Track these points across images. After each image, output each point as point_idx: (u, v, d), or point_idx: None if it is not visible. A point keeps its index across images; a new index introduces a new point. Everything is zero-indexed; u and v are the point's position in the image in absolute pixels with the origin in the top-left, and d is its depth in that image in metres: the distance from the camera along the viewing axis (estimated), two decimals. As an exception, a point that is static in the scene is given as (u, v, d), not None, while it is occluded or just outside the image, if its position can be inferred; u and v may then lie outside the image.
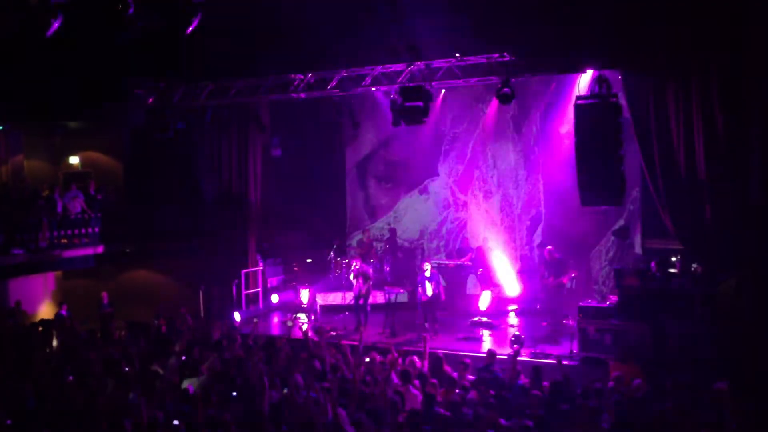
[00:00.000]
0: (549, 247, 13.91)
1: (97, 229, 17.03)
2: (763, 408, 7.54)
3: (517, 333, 12.10)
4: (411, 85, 12.44)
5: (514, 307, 15.41)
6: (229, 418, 7.63)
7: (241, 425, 7.69)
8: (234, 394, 8.84)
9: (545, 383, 8.93)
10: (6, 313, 15.13)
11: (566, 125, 14.53)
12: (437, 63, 12.54)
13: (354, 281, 14.43)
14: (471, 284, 16.31)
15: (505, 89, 11.93)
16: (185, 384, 9.19)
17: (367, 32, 12.46)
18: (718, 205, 10.83)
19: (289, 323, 13.62)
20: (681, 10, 10.69)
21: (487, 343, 12.92)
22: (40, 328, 13.89)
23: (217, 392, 8.80)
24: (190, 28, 9.06)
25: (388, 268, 16.69)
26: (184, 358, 10.61)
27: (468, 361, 9.91)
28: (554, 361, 9.74)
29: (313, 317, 15.25)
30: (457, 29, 12.14)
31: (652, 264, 11.98)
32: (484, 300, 14.70)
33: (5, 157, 17.97)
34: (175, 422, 7.71)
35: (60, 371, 10.08)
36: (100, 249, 17.03)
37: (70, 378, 9.69)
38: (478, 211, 17.11)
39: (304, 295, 15.89)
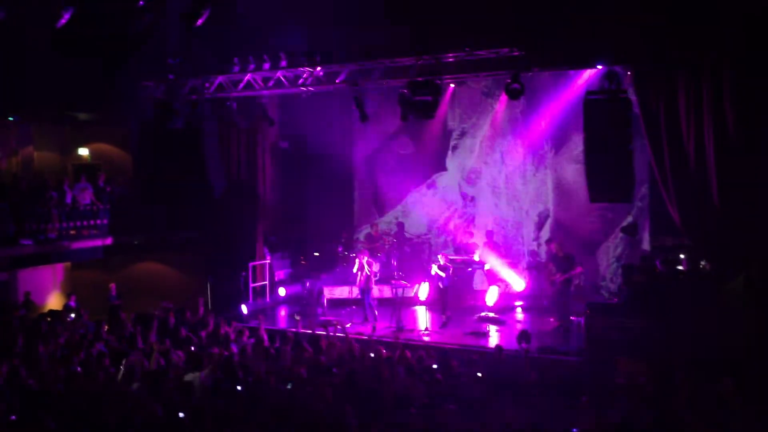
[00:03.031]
0: (555, 242, 13.89)
1: (105, 221, 17.06)
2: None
3: (524, 329, 12.08)
4: (420, 79, 12.40)
5: (521, 303, 15.40)
6: (234, 412, 7.65)
7: (246, 419, 7.70)
8: (239, 387, 8.86)
9: (551, 378, 8.92)
10: (15, 304, 15.19)
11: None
12: (446, 57, 12.49)
13: (361, 275, 14.45)
14: (478, 280, 16.31)
15: (515, 84, 11.88)
16: (188, 378, 9.21)
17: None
18: (728, 202, 10.77)
19: (297, 317, 13.65)
20: (692, 5, 10.61)
21: (494, 338, 12.93)
22: (49, 319, 13.95)
23: (222, 386, 8.82)
24: (201, 20, 9.09)
25: (395, 263, 16.69)
26: (193, 348, 10.65)
27: (476, 357, 9.91)
28: (561, 357, 9.73)
29: (319, 311, 15.27)
30: (468, 23, 12.10)
31: (658, 261, 11.94)
32: (491, 295, 14.69)
33: (15, 149, 18.02)
34: (181, 414, 7.73)
35: (68, 362, 10.13)
36: (108, 241, 17.07)
37: (78, 369, 9.73)
38: (486, 207, 17.08)
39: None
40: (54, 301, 17.48)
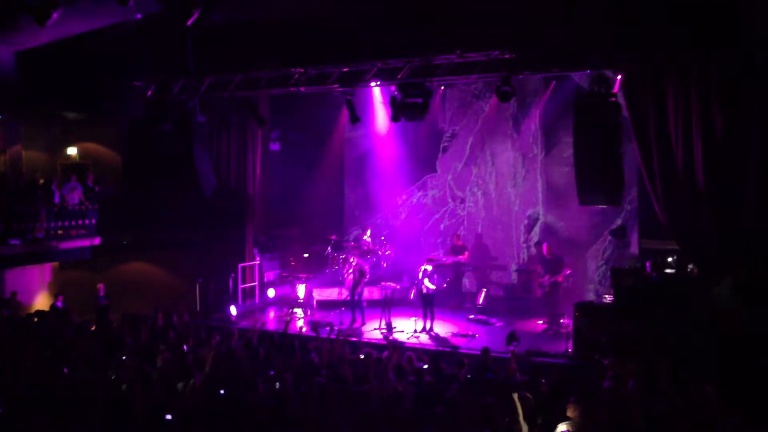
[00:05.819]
0: (545, 244, 13.94)
1: (94, 221, 17.00)
2: (756, 410, 7.56)
3: (512, 331, 12.09)
4: (411, 81, 12.41)
5: (510, 304, 15.41)
6: (223, 414, 7.62)
7: (235, 422, 7.68)
8: (229, 389, 8.82)
9: (542, 381, 8.93)
10: (1, 304, 15.09)
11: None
12: (437, 59, 12.51)
13: (350, 277, 14.43)
14: (467, 281, 16.33)
15: (505, 87, 11.89)
16: (180, 386, 9.14)
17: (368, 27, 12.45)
18: (716, 207, 10.82)
19: (287, 318, 13.62)
20: (681, 8, 10.67)
21: (482, 340, 12.93)
22: (36, 319, 13.87)
23: (211, 388, 8.78)
24: (191, 20, 9.06)
25: (384, 264, 16.70)
26: (186, 348, 10.59)
27: (465, 360, 9.91)
28: (550, 360, 9.75)
29: (309, 312, 15.25)
30: (458, 25, 12.13)
31: (647, 264, 11.99)
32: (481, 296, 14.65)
33: (3, 148, 17.91)
34: (168, 417, 7.69)
35: (55, 362, 10.05)
36: (97, 241, 17.00)
37: (65, 370, 9.66)
38: (476, 209, 17.12)
39: (301, 290, 15.89)
40: (41, 301, 17.38)
